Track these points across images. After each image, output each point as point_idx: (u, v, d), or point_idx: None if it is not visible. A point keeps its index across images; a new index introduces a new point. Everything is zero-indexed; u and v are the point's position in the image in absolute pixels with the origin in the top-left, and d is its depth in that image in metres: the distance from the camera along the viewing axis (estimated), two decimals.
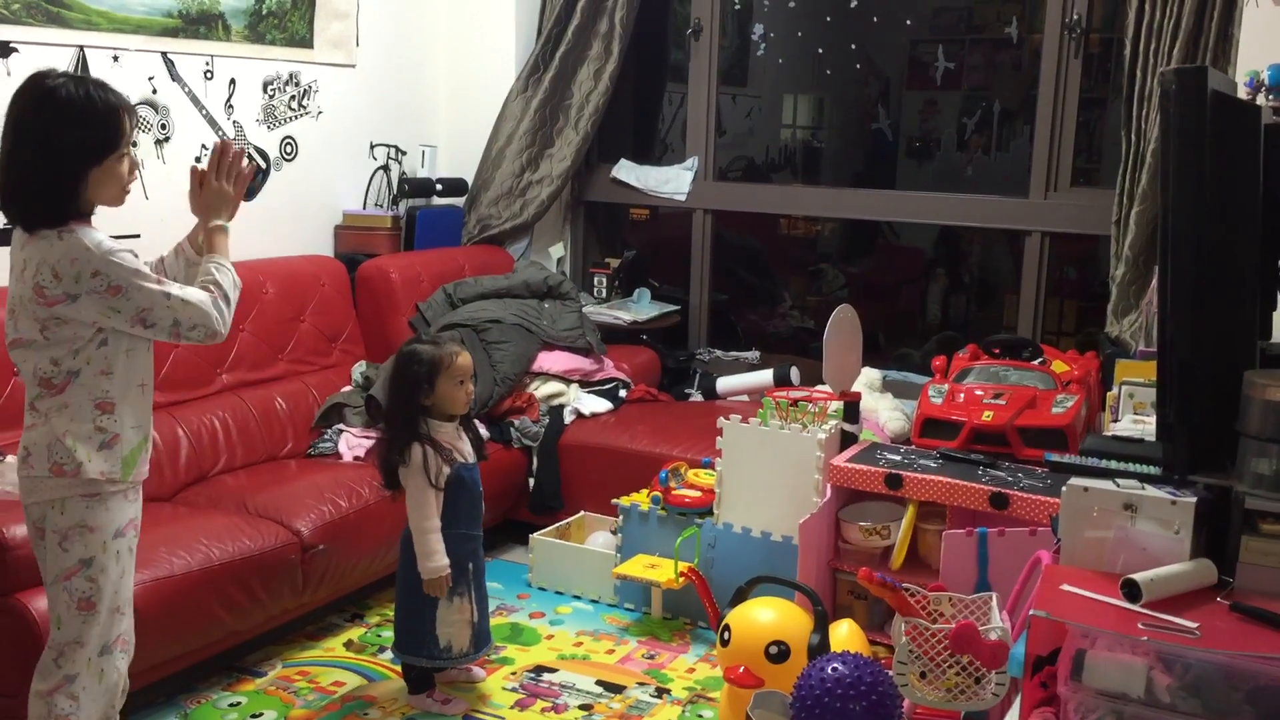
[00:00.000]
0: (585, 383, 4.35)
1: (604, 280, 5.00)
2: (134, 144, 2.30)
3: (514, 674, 3.21)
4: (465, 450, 2.99)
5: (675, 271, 5.07)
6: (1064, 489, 1.89)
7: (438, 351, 2.92)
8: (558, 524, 3.92)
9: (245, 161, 2.49)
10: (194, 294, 2.29)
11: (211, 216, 2.44)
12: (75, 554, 2.28)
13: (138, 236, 3.58)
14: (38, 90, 2.19)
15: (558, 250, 5.04)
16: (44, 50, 3.36)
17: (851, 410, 3.56)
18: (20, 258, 2.24)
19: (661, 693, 3.13)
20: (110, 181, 2.24)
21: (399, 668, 3.11)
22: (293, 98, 4.22)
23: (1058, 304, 5.19)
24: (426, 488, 2.88)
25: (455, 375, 2.92)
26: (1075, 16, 4.06)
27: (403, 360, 2.94)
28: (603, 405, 4.26)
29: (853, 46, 5.83)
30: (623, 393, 4.39)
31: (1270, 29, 3.35)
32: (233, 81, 3.98)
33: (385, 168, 4.69)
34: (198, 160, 2.43)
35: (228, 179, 2.45)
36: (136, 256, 2.25)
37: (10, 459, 2.87)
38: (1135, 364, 3.11)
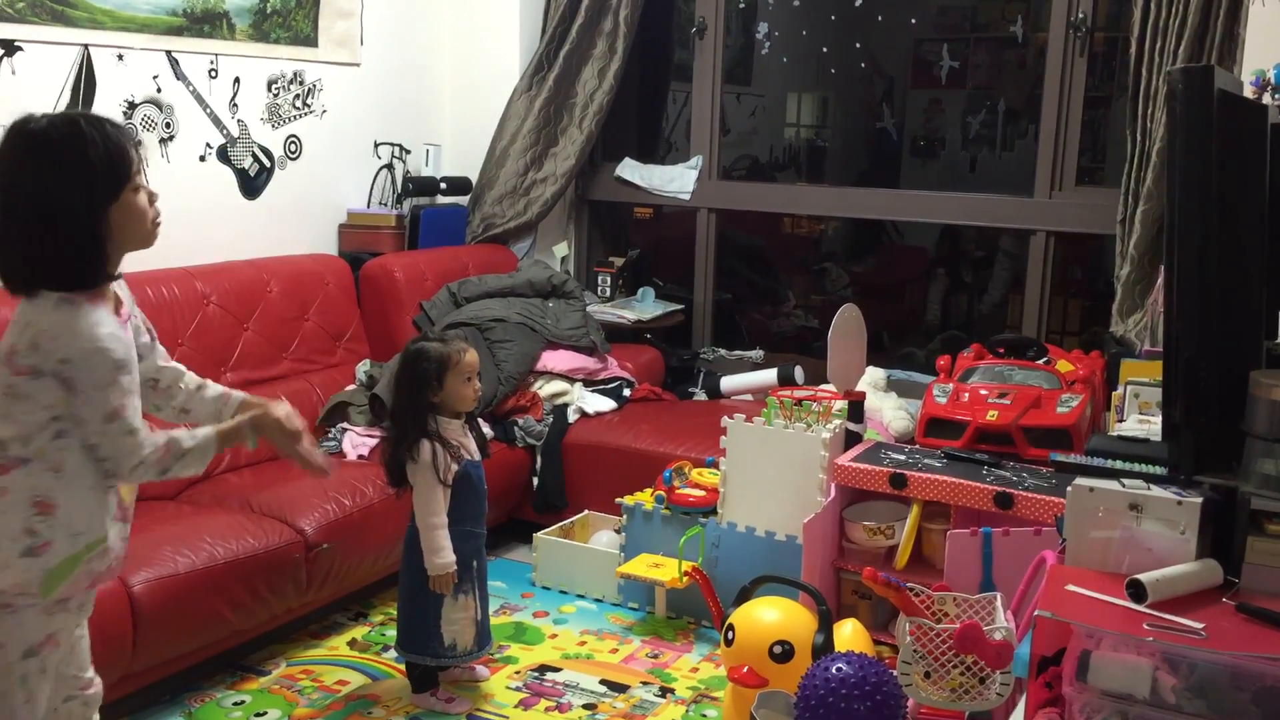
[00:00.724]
0: (589, 382, 4.35)
1: (608, 279, 5.00)
2: (146, 171, 2.06)
3: (518, 673, 3.21)
4: (471, 447, 3.00)
5: (679, 270, 5.07)
6: (1069, 489, 1.88)
7: (446, 349, 2.92)
8: (562, 523, 3.92)
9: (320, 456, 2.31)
10: (136, 440, 1.98)
11: (268, 435, 2.20)
12: None
13: None
14: (24, 138, 1.93)
15: (562, 249, 5.04)
16: (48, 49, 3.36)
17: (856, 409, 3.56)
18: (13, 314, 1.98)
19: (665, 692, 3.13)
20: (134, 219, 1.99)
21: (403, 666, 3.11)
22: (297, 96, 4.22)
23: (1062, 303, 5.19)
24: (435, 484, 2.88)
25: (463, 372, 2.93)
26: (1080, 15, 4.05)
27: (411, 357, 2.94)
28: (607, 404, 4.25)
29: (857, 45, 5.83)
30: (627, 392, 4.39)
31: (1276, 28, 3.34)
32: (237, 80, 3.98)
33: (389, 166, 4.69)
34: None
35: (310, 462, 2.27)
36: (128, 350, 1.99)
37: None
38: (1140, 363, 3.11)
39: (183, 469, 2.07)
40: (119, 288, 2.09)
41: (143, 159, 2.03)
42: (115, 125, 2.00)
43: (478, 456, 3.01)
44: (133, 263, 2.19)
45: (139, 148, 2.03)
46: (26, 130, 1.94)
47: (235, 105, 3.99)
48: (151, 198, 2.04)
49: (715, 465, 3.58)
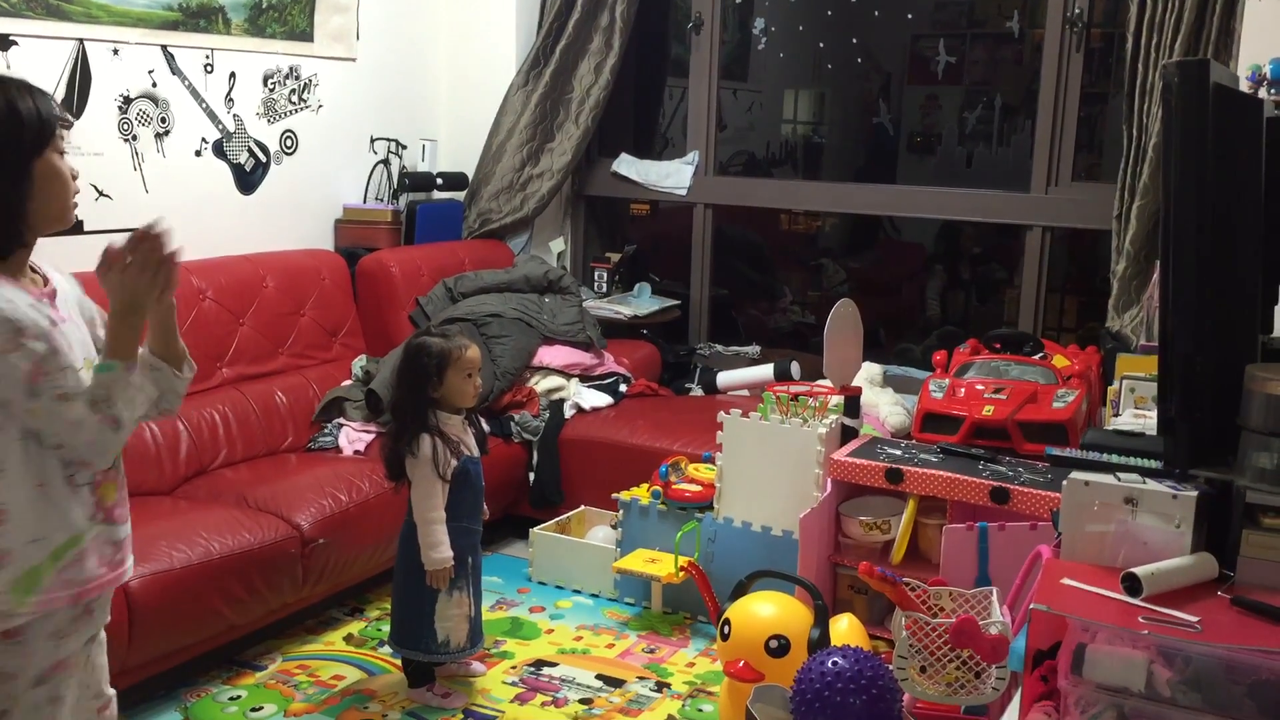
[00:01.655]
0: (585, 377, 4.35)
1: (604, 275, 4.99)
2: (65, 151, 1.90)
3: (514, 668, 3.21)
4: (471, 444, 3.00)
5: (676, 266, 5.07)
6: (1065, 483, 1.88)
7: (447, 344, 2.92)
8: (558, 518, 3.92)
9: (167, 247, 1.86)
10: (83, 413, 1.79)
11: (123, 306, 1.85)
12: None
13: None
14: None
15: (558, 245, 5.04)
16: (43, 43, 3.35)
17: (852, 405, 3.56)
18: None
19: (661, 687, 3.13)
20: (56, 182, 1.85)
21: (399, 661, 3.11)
22: (293, 91, 4.21)
23: (1059, 299, 5.19)
24: (434, 479, 2.88)
25: (464, 368, 2.92)
26: (1077, 11, 4.05)
27: (412, 352, 2.94)
28: (603, 400, 4.25)
29: (854, 41, 5.82)
30: (623, 387, 4.38)
31: (1272, 23, 3.34)
32: (233, 75, 3.97)
33: (385, 161, 4.68)
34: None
35: (148, 267, 1.85)
36: (51, 327, 1.82)
37: None
38: (1136, 358, 3.11)
39: (126, 406, 1.84)
40: (57, 275, 1.95)
41: (68, 126, 1.91)
42: (44, 92, 1.89)
43: (477, 453, 3.01)
44: None
45: (67, 124, 1.91)
46: None
47: (231, 100, 3.98)
48: (74, 172, 1.90)
49: (711, 460, 3.58)
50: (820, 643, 2.54)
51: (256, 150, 4.10)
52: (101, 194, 3.52)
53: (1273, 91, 2.91)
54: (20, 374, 1.76)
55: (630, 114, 5.27)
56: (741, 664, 2.64)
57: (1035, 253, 4.24)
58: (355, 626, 3.44)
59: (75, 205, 1.91)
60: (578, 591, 3.72)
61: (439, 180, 4.70)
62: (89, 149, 3.48)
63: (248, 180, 4.09)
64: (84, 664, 2.00)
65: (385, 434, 3.04)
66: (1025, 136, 5.01)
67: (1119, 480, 1.85)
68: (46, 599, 1.85)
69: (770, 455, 3.38)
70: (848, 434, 3.50)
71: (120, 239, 1.85)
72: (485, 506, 3.08)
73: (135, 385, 1.88)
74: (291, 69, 4.19)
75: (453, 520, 2.92)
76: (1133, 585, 1.71)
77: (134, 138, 3.65)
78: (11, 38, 3.28)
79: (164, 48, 3.72)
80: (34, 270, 1.92)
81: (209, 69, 3.89)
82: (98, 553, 1.92)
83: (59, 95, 3.41)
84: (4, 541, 1.80)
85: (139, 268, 1.84)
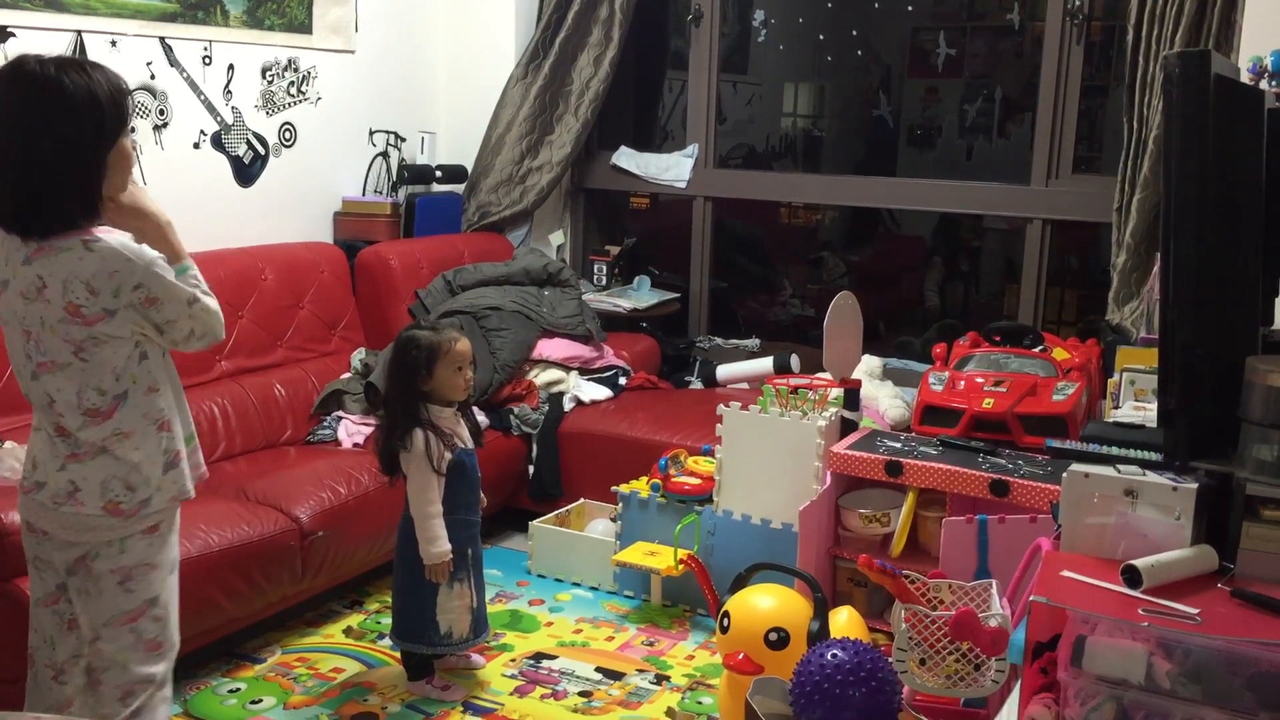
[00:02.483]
0: (585, 370, 4.35)
1: (604, 268, 4.99)
2: (132, 128, 2.18)
3: (513, 661, 3.21)
4: (465, 436, 2.99)
5: (675, 259, 5.06)
6: (1065, 475, 1.88)
7: (437, 338, 2.91)
8: (557, 511, 3.92)
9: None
10: (211, 302, 2.16)
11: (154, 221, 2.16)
12: (140, 594, 2.17)
13: None
14: (33, 80, 1.98)
15: (558, 237, 5.03)
16: (41, 35, 3.34)
17: (852, 398, 3.56)
18: (29, 274, 2.01)
19: (661, 680, 3.13)
20: (123, 165, 2.08)
21: (398, 654, 3.11)
22: (291, 83, 4.21)
23: (1059, 292, 5.19)
24: (429, 473, 2.87)
25: (454, 361, 2.91)
26: (1077, 3, 4.04)
27: (401, 346, 2.94)
28: (602, 393, 4.25)
29: (854, 33, 5.82)
30: (622, 380, 4.38)
31: (1273, 14, 3.34)
32: (231, 67, 3.96)
33: (384, 154, 4.67)
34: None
35: None
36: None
37: (9, 444, 2.86)
38: (1136, 351, 3.11)
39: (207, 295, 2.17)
40: None
41: (133, 107, 2.15)
42: (116, 74, 2.08)
43: (471, 445, 3.01)
44: None
45: (131, 98, 2.16)
46: (36, 72, 1.99)
47: (229, 92, 3.97)
48: (133, 147, 2.14)
49: (711, 453, 3.58)
50: (819, 635, 2.54)
51: (255, 143, 4.09)
52: None
53: (1274, 83, 2.91)
54: (185, 294, 2.10)
55: (630, 107, 5.26)
56: (741, 656, 2.64)
57: (1035, 245, 4.23)
58: (354, 619, 3.44)
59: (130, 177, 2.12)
60: (577, 584, 3.72)
61: (438, 173, 4.70)
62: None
63: (246, 173, 4.08)
64: None
65: (378, 428, 3.03)
66: (1025, 129, 5.01)
67: (1119, 472, 1.85)
68: (199, 475, 2.26)
69: (770, 448, 3.38)
70: (847, 427, 3.50)
71: None
72: (483, 497, 3.08)
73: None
74: (290, 61, 4.19)
75: (450, 513, 2.92)
76: (1132, 577, 1.70)
77: (132, 130, 3.63)
78: (10, 29, 3.27)
79: (162, 39, 3.71)
80: None
81: (207, 61, 3.88)
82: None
83: None
84: (174, 444, 2.18)
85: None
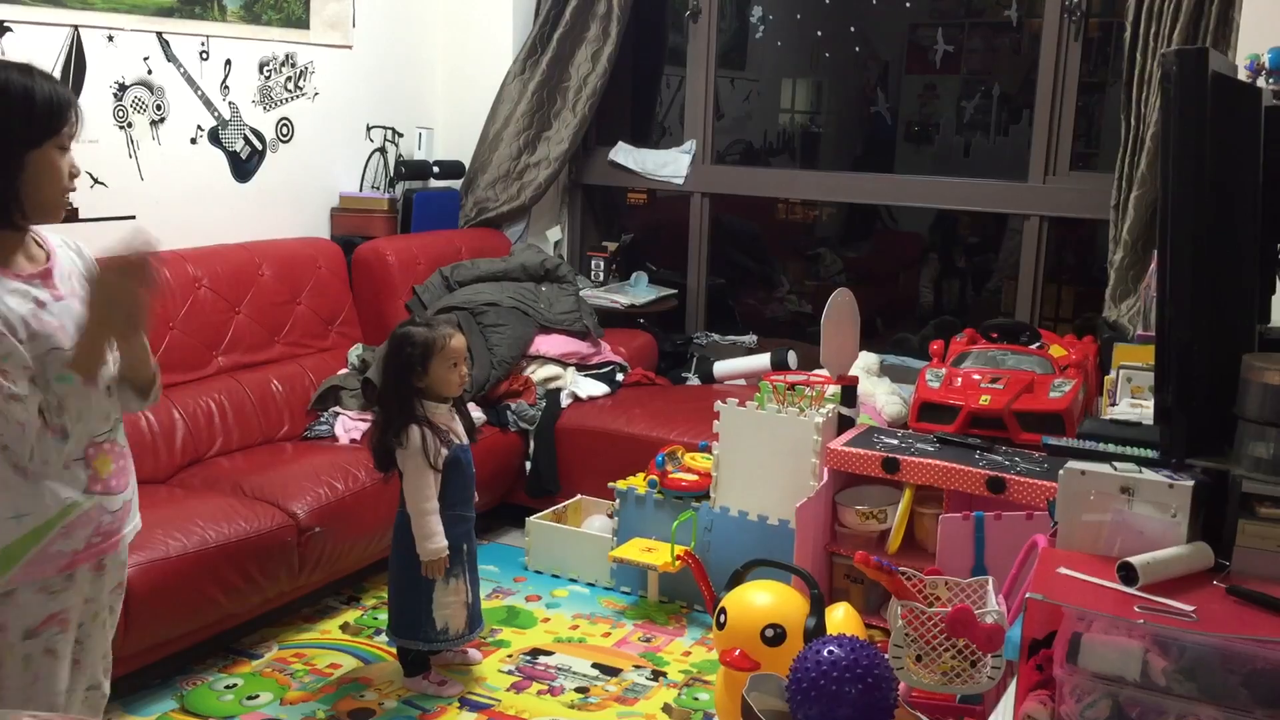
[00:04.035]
0: (582, 366, 4.34)
1: (601, 264, 4.99)
2: (70, 146, 1.93)
3: (510, 656, 3.21)
4: (460, 431, 2.99)
5: (673, 255, 5.06)
6: (1061, 472, 1.88)
7: (431, 334, 2.91)
8: (554, 507, 3.92)
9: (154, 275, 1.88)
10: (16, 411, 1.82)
11: (99, 322, 1.89)
12: None
13: (133, 218, 3.58)
14: None
15: (555, 233, 5.03)
16: (38, 30, 3.34)
17: (849, 394, 3.56)
18: None
19: (657, 675, 3.13)
20: (48, 176, 1.87)
21: (395, 650, 3.11)
22: (289, 79, 4.20)
23: (1056, 289, 5.19)
24: (425, 469, 2.87)
25: (448, 357, 2.91)
26: (1075, 0, 4.04)
27: (396, 342, 2.93)
28: (599, 389, 4.25)
29: (851, 30, 5.81)
30: (620, 376, 4.38)
31: (1271, 12, 3.33)
32: (228, 62, 3.96)
33: (382, 150, 4.67)
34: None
35: (134, 286, 1.86)
36: (34, 311, 1.85)
37: None
38: (1133, 348, 3.10)
39: (75, 420, 1.88)
40: (58, 245, 1.98)
41: (80, 124, 1.93)
42: (63, 85, 1.93)
43: (466, 441, 3.01)
44: None
45: (79, 117, 1.92)
46: None
47: (226, 87, 3.97)
48: (73, 171, 1.93)
49: (708, 450, 3.58)
50: (816, 631, 2.54)
51: (252, 138, 4.09)
52: (97, 181, 3.51)
53: (1271, 81, 2.90)
54: None
55: (627, 103, 5.25)
56: (737, 653, 2.64)
57: (1032, 242, 4.23)
58: (351, 615, 3.44)
59: (67, 203, 1.92)
60: (574, 580, 3.72)
61: (435, 169, 4.69)
62: (84, 136, 3.46)
63: (243, 168, 4.08)
64: (85, 629, 2.04)
65: (373, 425, 3.03)
66: (1023, 126, 5.01)
67: (1115, 470, 1.85)
68: (32, 570, 1.90)
69: (767, 444, 3.38)
70: (844, 423, 3.50)
71: (122, 239, 1.85)
72: (475, 494, 3.08)
73: (91, 400, 1.92)
74: (287, 56, 4.18)
75: (446, 509, 2.92)
76: (1128, 574, 1.70)
77: (129, 125, 3.64)
78: (6, 24, 3.27)
79: (159, 34, 3.71)
80: (37, 244, 1.95)
81: (204, 56, 3.87)
82: (83, 522, 1.97)
83: None
84: None
85: (126, 284, 1.85)
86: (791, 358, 4.42)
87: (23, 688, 1.95)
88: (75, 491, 1.94)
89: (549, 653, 3.24)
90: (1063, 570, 1.76)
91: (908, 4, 5.97)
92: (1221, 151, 1.79)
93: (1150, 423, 2.03)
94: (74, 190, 1.95)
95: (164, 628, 2.87)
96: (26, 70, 1.87)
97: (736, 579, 2.81)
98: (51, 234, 2.00)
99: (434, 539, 2.88)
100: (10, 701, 1.93)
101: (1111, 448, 1.97)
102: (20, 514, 1.88)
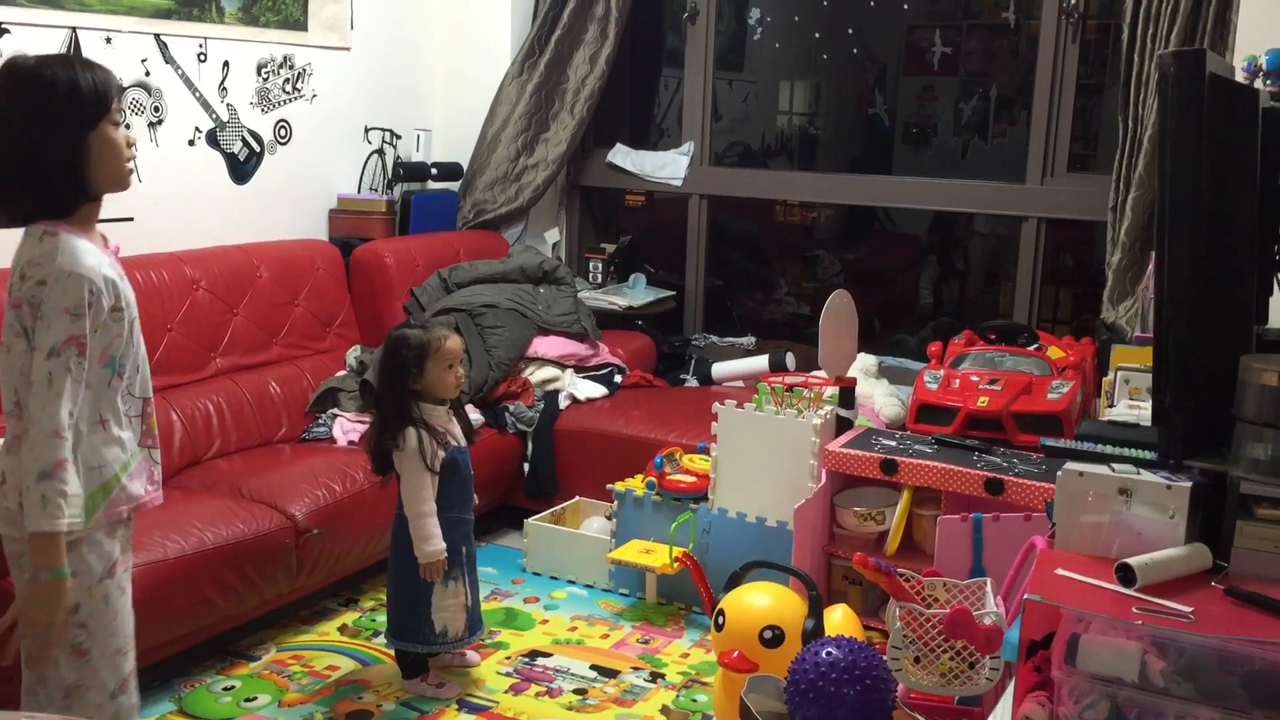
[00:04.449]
0: (580, 368, 4.34)
1: (599, 265, 4.99)
2: (128, 125, 2.21)
3: (508, 658, 3.21)
4: (457, 433, 2.99)
5: (671, 257, 5.06)
6: (1059, 474, 1.88)
7: (426, 335, 2.91)
8: (552, 509, 3.92)
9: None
10: (61, 385, 1.99)
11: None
12: None
13: (131, 219, 3.58)
14: (9, 74, 2.03)
15: (553, 235, 5.03)
16: (36, 31, 3.33)
17: (847, 395, 3.56)
18: (14, 259, 2.08)
19: (656, 677, 3.13)
20: (108, 151, 2.06)
21: (393, 652, 3.10)
22: (287, 81, 4.20)
23: (1054, 290, 5.19)
24: (422, 471, 2.87)
25: (444, 359, 2.91)
26: (1072, 2, 4.04)
27: (391, 345, 2.93)
28: (598, 390, 4.25)
29: (849, 31, 5.81)
30: (618, 378, 4.38)
31: (1268, 13, 3.34)
32: (226, 64, 3.95)
33: (380, 151, 4.67)
34: None
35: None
36: (103, 296, 2.04)
37: None
38: (1131, 349, 3.11)
39: (43, 499, 1.99)
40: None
41: (123, 100, 2.11)
42: (103, 66, 2.11)
43: (464, 442, 3.00)
44: (123, 249, 2.21)
45: (122, 93, 2.12)
46: (16, 66, 2.04)
47: (224, 89, 3.97)
48: (129, 140, 2.11)
49: (706, 451, 3.58)
50: (814, 633, 2.54)
51: (250, 140, 4.09)
52: None
53: (1268, 82, 2.90)
54: (59, 339, 2.00)
55: (626, 104, 5.25)
56: (736, 654, 2.64)
57: (1030, 244, 4.23)
58: (349, 617, 3.44)
59: (131, 170, 2.13)
60: (572, 582, 3.72)
61: (433, 170, 4.69)
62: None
63: (241, 170, 4.08)
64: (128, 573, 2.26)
65: (370, 427, 3.03)
66: (1021, 128, 5.01)
67: (1113, 471, 1.85)
68: (109, 513, 2.15)
69: (765, 446, 3.38)
70: (842, 425, 3.50)
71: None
72: (475, 496, 3.08)
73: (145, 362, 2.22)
74: (285, 58, 4.18)
75: (444, 511, 2.92)
76: (1126, 576, 1.71)
77: (127, 126, 3.63)
78: (4, 26, 3.27)
79: (157, 36, 3.71)
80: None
81: (202, 58, 3.87)
82: (147, 472, 2.24)
83: None
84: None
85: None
86: (790, 359, 4.42)
87: (105, 624, 2.17)
88: (134, 444, 2.19)
89: (547, 654, 3.24)
90: (1061, 571, 1.76)
91: (905, 6, 5.97)
92: (1219, 153, 1.79)
93: (1148, 424, 2.03)
94: (134, 158, 2.14)
95: (162, 630, 2.86)
96: (67, 62, 2.07)
97: (735, 580, 2.81)
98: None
99: (431, 541, 2.88)
100: (96, 639, 2.15)
101: (1109, 449, 1.97)
102: (102, 464, 2.12)
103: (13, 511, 2.09)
